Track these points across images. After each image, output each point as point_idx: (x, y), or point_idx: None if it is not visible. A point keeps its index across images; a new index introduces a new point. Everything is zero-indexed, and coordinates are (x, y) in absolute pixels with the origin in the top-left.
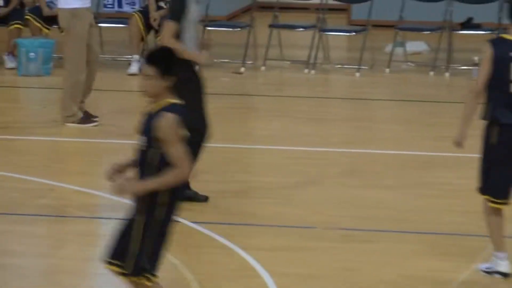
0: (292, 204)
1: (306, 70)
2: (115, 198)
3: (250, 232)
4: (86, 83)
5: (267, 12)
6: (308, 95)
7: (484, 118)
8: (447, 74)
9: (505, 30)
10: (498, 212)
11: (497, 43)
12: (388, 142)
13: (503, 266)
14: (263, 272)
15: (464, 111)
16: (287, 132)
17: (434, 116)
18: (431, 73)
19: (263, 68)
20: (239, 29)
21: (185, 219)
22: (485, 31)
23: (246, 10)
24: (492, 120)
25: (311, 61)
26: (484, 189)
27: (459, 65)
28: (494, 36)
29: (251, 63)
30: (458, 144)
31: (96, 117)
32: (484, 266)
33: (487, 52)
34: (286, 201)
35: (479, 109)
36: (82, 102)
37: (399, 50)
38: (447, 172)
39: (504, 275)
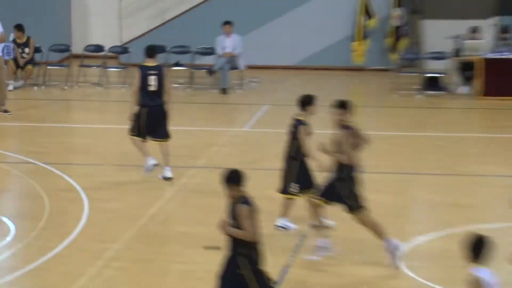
0: (88, 153)
1: (98, 88)
2: None
3: (72, 168)
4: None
5: (79, 58)
6: (97, 99)
7: (139, 104)
8: None
9: (144, 61)
10: (140, 142)
11: (142, 67)
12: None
13: (167, 173)
14: (79, 188)
15: (132, 101)
16: (79, 118)
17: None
18: None
19: (76, 86)
20: (64, 67)
21: (39, 162)
22: (184, 67)
23: (67, 57)
24: (142, 105)
25: (101, 83)
26: (143, 136)
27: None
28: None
29: (70, 84)
30: (131, 117)
31: None
32: (145, 168)
33: (138, 72)
34: (86, 152)
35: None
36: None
37: None
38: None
39: (168, 179)
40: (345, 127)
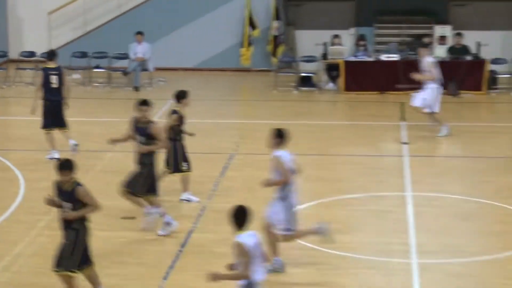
0: (24, 141)
1: (32, 87)
2: None
3: (10, 153)
4: None
5: (15, 62)
6: (32, 97)
7: (43, 99)
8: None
9: (46, 63)
10: (50, 136)
11: (44, 69)
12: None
13: (72, 141)
14: (16, 170)
15: (35, 97)
16: (16, 112)
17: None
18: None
19: (13, 86)
20: (2, 70)
21: None
22: (103, 69)
23: (5, 62)
24: (46, 99)
25: (34, 83)
26: (48, 127)
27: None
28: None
29: (8, 84)
30: (33, 111)
31: None
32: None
33: (41, 72)
34: (22, 140)
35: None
36: None
37: (75, 76)
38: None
39: (75, 145)
40: (151, 121)
